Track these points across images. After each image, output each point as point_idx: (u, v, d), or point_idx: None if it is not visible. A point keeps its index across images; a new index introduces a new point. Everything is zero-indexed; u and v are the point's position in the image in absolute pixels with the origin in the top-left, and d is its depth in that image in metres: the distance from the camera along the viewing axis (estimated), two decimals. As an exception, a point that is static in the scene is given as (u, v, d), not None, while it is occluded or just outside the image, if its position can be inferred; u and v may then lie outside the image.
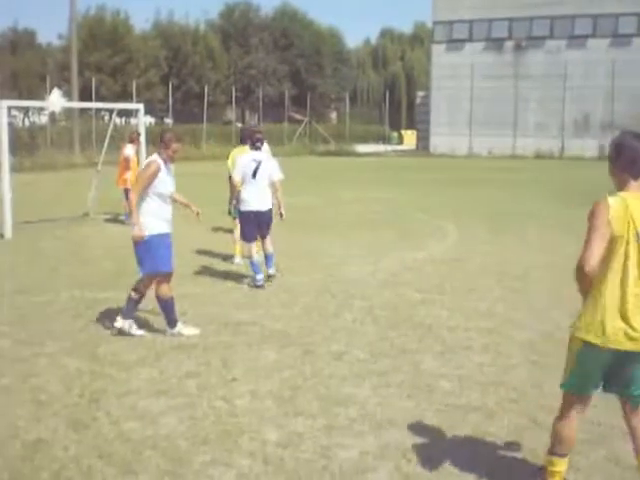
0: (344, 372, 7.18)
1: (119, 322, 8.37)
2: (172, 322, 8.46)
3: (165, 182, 8.30)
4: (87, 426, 5.91)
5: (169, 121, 57.05)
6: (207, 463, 5.28)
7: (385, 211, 20.46)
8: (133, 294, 8.44)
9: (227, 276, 11.69)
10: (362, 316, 9.27)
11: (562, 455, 4.76)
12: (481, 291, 10.73)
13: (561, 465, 4.77)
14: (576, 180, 31.92)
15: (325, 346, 8.01)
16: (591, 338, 4.46)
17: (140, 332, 8.42)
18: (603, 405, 6.32)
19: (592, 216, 4.41)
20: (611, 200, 4.41)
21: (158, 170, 8.21)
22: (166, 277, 8.41)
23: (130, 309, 8.44)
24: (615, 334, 4.41)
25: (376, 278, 11.63)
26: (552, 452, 4.80)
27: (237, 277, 11.63)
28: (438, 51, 57.68)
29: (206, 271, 12.09)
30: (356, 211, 20.49)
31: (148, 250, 8.20)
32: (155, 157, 8.32)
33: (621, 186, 4.52)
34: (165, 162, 8.32)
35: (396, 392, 6.63)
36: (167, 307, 8.45)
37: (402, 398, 6.50)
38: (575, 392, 4.71)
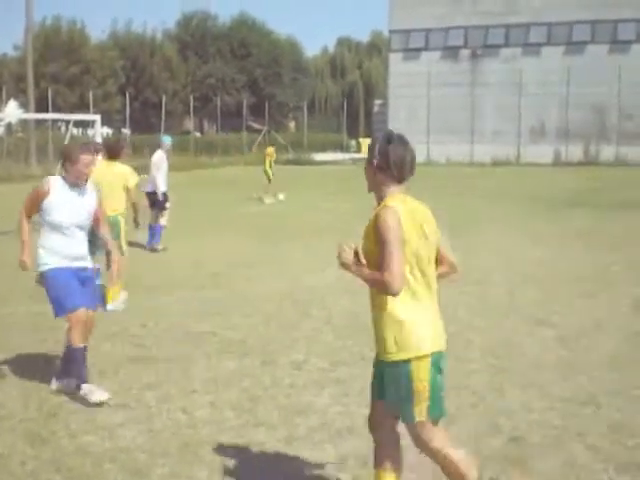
0: (304, 381, 7.18)
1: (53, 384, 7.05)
2: (79, 378, 6.76)
3: (59, 210, 6.76)
4: (45, 440, 5.85)
5: (126, 131, 56.72)
6: (166, 475, 5.25)
7: (345, 219, 20.48)
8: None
9: (184, 285, 11.64)
10: (321, 325, 9.28)
11: None
12: (441, 296, 10.74)
13: None
14: (532, 185, 32.26)
15: (285, 355, 8.01)
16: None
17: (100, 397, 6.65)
18: (560, 407, 6.41)
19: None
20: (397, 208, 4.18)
21: (44, 194, 6.76)
22: (76, 318, 6.72)
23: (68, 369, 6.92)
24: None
25: (336, 286, 11.63)
26: None
27: (195, 287, 11.59)
28: (395, 60, 57.94)
29: (162, 281, 12.02)
30: (317, 219, 20.51)
31: (49, 288, 6.83)
32: (52, 177, 6.98)
33: (381, 189, 4.32)
34: (71, 184, 6.82)
35: (355, 400, 6.64)
36: (72, 358, 6.82)
37: (361, 406, 6.49)
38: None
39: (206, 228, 16.77)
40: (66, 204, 6.76)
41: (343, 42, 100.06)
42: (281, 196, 25.53)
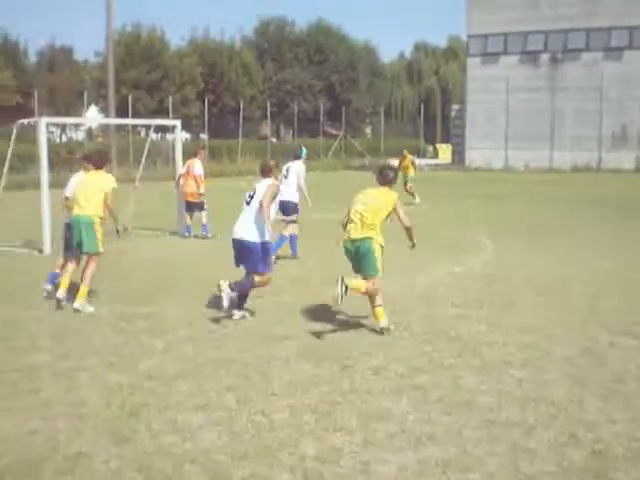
0: (382, 387, 7.17)
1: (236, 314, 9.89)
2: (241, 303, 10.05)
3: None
4: (127, 440, 5.96)
5: (205, 137, 57.39)
6: (246, 478, 5.30)
7: (421, 225, 20.34)
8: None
9: (262, 290, 11.69)
10: (400, 331, 9.25)
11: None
12: (519, 306, 10.67)
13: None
14: (614, 193, 31.68)
15: (363, 361, 8.01)
16: None
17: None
18: (645, 421, 6.28)
19: None
20: None
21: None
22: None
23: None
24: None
25: (413, 293, 11.62)
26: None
27: (273, 291, 11.64)
28: (473, 64, 57.56)
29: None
30: (392, 225, 20.41)
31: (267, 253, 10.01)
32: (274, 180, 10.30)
33: None
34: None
35: (435, 408, 6.61)
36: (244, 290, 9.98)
37: (441, 414, 6.48)
38: None
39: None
40: None
41: (420, 47, 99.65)
42: (417, 199, 27.32)
